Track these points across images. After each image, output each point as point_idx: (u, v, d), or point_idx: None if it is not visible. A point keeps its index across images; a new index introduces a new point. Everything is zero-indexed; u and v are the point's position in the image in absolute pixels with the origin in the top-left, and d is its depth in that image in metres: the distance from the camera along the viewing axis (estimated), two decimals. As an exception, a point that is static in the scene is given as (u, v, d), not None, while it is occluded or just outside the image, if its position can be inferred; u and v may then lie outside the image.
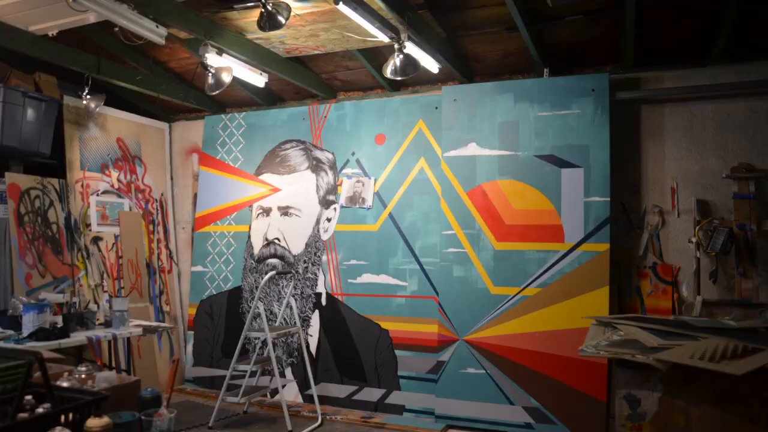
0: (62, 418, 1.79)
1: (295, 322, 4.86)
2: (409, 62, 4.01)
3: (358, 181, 5.06)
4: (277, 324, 4.97)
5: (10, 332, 3.66)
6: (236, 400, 4.39)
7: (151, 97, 5.29)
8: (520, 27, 3.93)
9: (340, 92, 5.52)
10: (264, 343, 4.74)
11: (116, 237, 5.36)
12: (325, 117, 5.33)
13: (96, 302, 4.97)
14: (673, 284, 4.25)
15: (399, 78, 4.18)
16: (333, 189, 5.23)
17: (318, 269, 5.18)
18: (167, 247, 5.93)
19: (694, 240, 4.12)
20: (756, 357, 2.46)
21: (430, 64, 4.32)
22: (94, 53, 4.62)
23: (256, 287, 5.39)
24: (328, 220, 5.20)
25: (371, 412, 4.79)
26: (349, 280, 5.05)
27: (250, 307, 5.40)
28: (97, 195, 5.26)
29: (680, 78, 4.30)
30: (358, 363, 4.94)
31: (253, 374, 4.78)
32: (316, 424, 4.50)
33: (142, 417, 2.28)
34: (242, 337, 4.49)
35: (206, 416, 4.53)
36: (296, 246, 5.29)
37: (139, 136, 5.79)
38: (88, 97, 4.90)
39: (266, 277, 4.57)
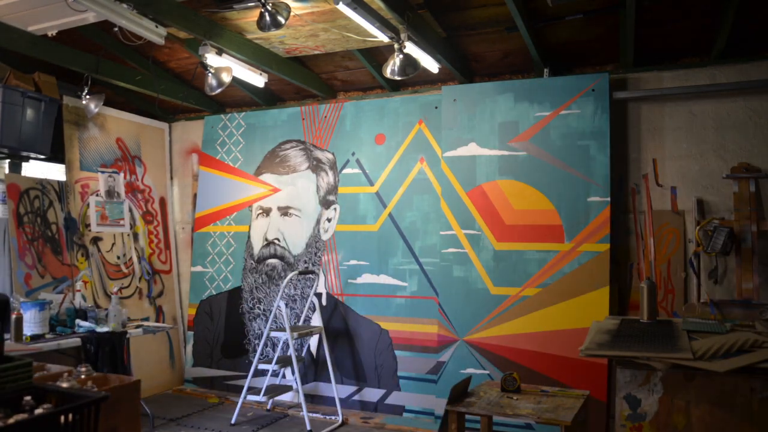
0: (62, 418, 1.79)
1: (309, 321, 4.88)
2: (409, 62, 4.01)
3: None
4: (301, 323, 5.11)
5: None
6: (259, 399, 4.50)
7: (151, 97, 5.29)
8: (519, 27, 3.92)
9: (339, 92, 5.52)
10: (285, 342, 4.81)
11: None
12: (325, 117, 5.33)
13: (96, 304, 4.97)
14: (673, 285, 4.24)
15: (399, 78, 4.18)
16: (333, 189, 5.23)
17: (318, 269, 5.17)
18: (167, 247, 5.93)
19: (694, 240, 4.12)
20: (744, 356, 2.47)
21: (430, 64, 4.32)
22: (94, 53, 4.61)
23: (256, 287, 5.39)
24: (329, 220, 5.20)
25: (371, 413, 4.79)
26: (349, 281, 5.05)
27: (250, 308, 5.40)
28: (96, 195, 5.26)
29: (680, 78, 4.30)
30: (358, 363, 4.93)
31: (275, 373, 4.96)
32: (336, 425, 4.54)
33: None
34: (264, 336, 4.64)
35: (214, 415, 4.55)
36: (296, 246, 5.29)
37: (138, 136, 5.79)
38: (88, 97, 4.89)
39: (287, 277, 4.70)
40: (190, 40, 4.43)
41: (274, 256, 5.36)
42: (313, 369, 5.09)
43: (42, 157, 4.77)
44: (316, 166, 5.31)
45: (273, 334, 4.54)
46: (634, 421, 2.63)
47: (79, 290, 4.75)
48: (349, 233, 5.10)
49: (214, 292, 5.63)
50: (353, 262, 5.06)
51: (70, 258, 4.91)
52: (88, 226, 5.14)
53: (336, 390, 4.74)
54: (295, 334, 4.46)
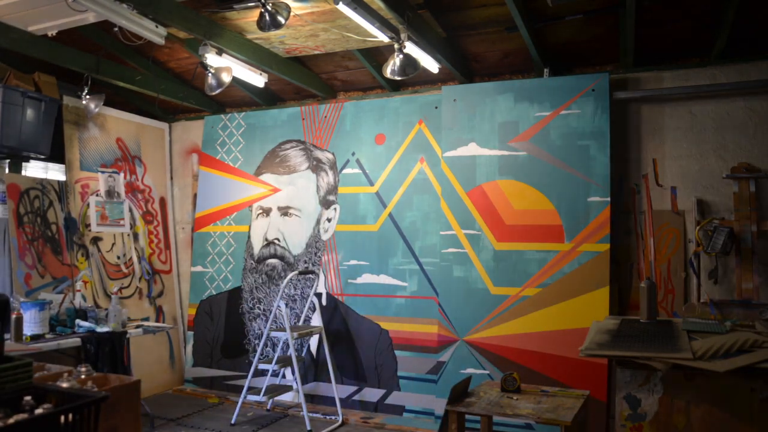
0: (62, 418, 1.78)
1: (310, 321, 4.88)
2: (409, 62, 4.01)
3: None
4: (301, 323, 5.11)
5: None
6: (259, 399, 4.50)
7: (151, 97, 5.29)
8: (520, 27, 3.93)
9: (339, 92, 5.52)
10: (285, 342, 4.82)
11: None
12: (325, 117, 5.33)
13: (96, 303, 4.97)
14: (673, 285, 4.24)
15: (399, 78, 4.18)
16: (333, 189, 5.23)
17: (318, 269, 5.17)
18: (167, 247, 5.93)
19: (694, 240, 4.12)
20: (744, 356, 2.47)
21: (430, 64, 4.32)
22: (94, 53, 4.61)
23: (256, 287, 5.39)
24: (329, 220, 5.20)
25: (371, 413, 4.79)
26: (349, 281, 5.05)
27: (250, 308, 5.40)
28: (96, 195, 5.26)
29: (680, 78, 4.30)
30: (358, 363, 4.93)
31: (275, 373, 4.95)
32: (336, 425, 4.53)
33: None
34: (264, 336, 4.64)
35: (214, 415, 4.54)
36: (296, 246, 5.29)
37: (138, 136, 5.79)
38: (88, 97, 4.89)
39: (287, 277, 4.70)
40: (190, 40, 4.44)
41: (274, 256, 5.36)
42: (313, 369, 5.09)
43: (42, 157, 4.77)
44: (316, 166, 5.31)
45: (273, 334, 4.54)
46: (634, 421, 2.63)
47: (79, 290, 4.75)
48: (349, 233, 5.10)
49: (214, 292, 5.63)
50: (353, 262, 5.06)
51: (70, 258, 4.91)
52: (88, 226, 5.14)
53: (336, 390, 4.74)
54: (295, 334, 4.47)
